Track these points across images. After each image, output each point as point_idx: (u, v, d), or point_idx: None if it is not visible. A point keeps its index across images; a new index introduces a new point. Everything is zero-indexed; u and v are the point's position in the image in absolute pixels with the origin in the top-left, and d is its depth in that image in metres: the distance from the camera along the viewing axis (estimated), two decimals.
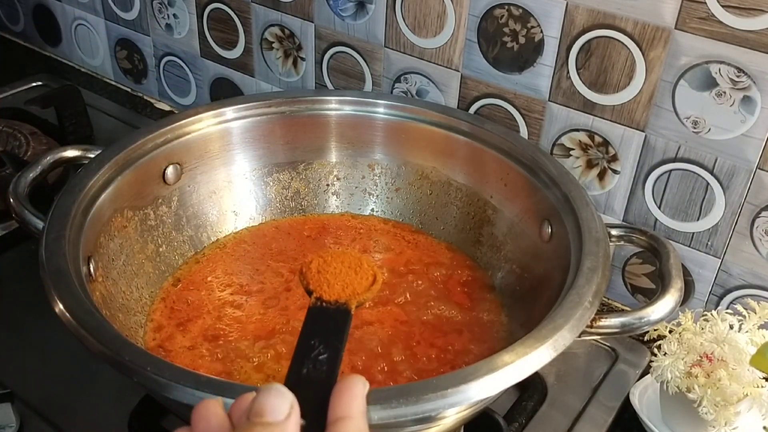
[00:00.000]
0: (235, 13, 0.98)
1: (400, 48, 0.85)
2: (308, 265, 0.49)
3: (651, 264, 0.78)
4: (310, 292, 0.48)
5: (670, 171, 0.72)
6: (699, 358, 0.61)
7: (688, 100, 0.68)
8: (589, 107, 0.75)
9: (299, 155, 0.83)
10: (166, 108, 1.15)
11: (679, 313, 0.64)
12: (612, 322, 0.57)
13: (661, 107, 0.70)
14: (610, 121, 0.74)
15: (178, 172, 0.76)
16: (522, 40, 0.76)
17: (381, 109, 0.81)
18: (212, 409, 0.37)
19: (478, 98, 0.82)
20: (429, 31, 0.82)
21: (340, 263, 0.49)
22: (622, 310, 0.79)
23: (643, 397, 0.68)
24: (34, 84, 1.16)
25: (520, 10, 0.75)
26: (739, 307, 0.64)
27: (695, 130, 0.69)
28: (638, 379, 0.71)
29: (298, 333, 0.70)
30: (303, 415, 0.37)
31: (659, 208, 0.75)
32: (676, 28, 0.66)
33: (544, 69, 0.76)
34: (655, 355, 0.63)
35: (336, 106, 0.82)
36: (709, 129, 0.68)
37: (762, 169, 0.67)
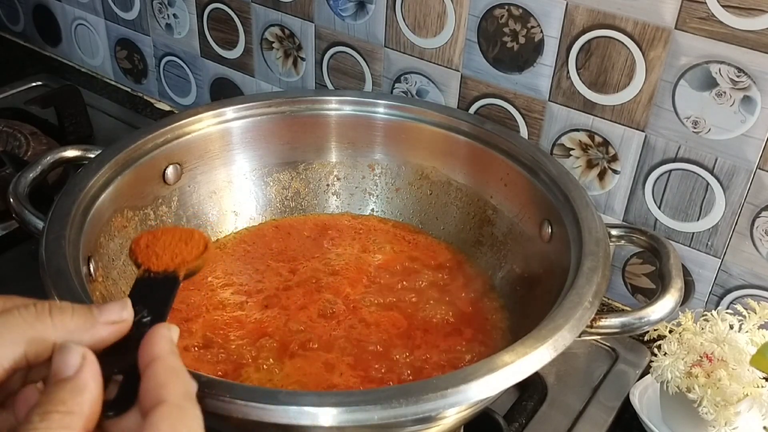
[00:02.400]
0: (235, 13, 0.98)
1: (400, 48, 0.85)
2: (137, 241, 0.50)
3: (651, 264, 0.78)
4: (139, 266, 0.49)
5: (670, 171, 0.72)
6: (699, 358, 0.61)
7: (688, 100, 0.68)
8: (589, 107, 0.75)
9: (299, 155, 0.83)
10: (166, 108, 1.15)
11: (679, 313, 0.64)
12: (612, 322, 0.57)
13: (661, 107, 0.70)
14: (610, 121, 0.74)
15: (178, 172, 0.76)
16: (522, 40, 0.76)
17: (381, 109, 0.81)
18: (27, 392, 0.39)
19: (478, 98, 0.82)
20: (429, 31, 0.82)
21: (170, 236, 0.50)
22: (622, 310, 0.79)
23: (643, 397, 0.68)
24: (34, 84, 1.16)
25: (520, 10, 0.75)
26: (739, 307, 0.64)
27: (695, 130, 0.69)
28: (638, 379, 0.71)
29: (298, 333, 0.70)
30: (121, 371, 0.39)
31: (659, 208, 0.75)
32: (676, 28, 0.67)
33: (544, 69, 0.76)
34: (655, 355, 0.63)
35: (336, 106, 0.82)
36: (709, 129, 0.68)
37: (762, 169, 0.67)
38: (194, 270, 0.49)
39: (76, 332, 0.39)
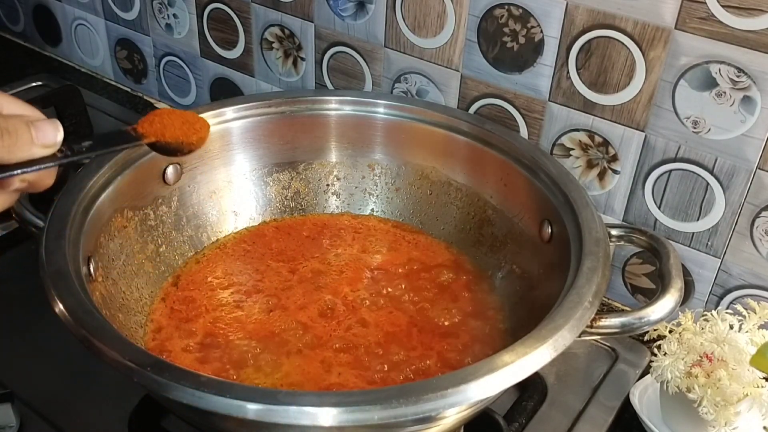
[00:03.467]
0: (235, 13, 0.98)
1: (400, 48, 0.85)
2: (153, 114, 0.54)
3: (651, 264, 0.78)
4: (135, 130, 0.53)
5: (670, 171, 0.72)
6: (699, 358, 0.61)
7: (688, 100, 0.68)
8: (589, 107, 0.75)
9: (299, 155, 0.83)
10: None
11: (679, 313, 0.64)
12: (612, 322, 0.57)
13: (661, 107, 0.70)
14: (610, 121, 0.74)
15: (178, 172, 0.76)
16: (522, 40, 0.76)
17: (381, 109, 0.81)
18: None
19: (478, 98, 0.82)
20: (429, 31, 0.82)
21: (179, 116, 0.55)
22: (622, 310, 0.79)
23: (643, 397, 0.68)
24: (34, 84, 1.16)
25: (520, 10, 0.75)
26: (739, 307, 0.64)
27: (695, 130, 0.69)
28: (638, 379, 0.71)
29: (297, 333, 0.70)
30: None
31: (659, 208, 0.75)
32: (676, 28, 0.66)
33: (544, 69, 0.76)
34: (655, 355, 0.63)
35: (336, 106, 0.82)
36: (709, 129, 0.68)
37: (762, 169, 0.67)
38: (173, 144, 0.53)
39: (12, 149, 0.41)
